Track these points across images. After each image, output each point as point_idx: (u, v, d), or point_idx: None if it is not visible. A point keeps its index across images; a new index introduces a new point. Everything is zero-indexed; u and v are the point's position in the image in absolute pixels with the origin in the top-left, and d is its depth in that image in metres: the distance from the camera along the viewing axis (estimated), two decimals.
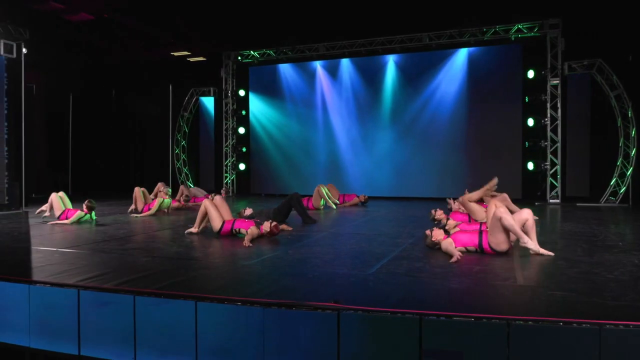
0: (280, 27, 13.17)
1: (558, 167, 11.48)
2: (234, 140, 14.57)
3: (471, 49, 12.30)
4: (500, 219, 4.65)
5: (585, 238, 6.04)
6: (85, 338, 3.56)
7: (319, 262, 4.60)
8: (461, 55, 12.37)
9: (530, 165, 11.65)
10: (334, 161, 13.51)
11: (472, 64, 12.30)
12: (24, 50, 10.01)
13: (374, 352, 2.99)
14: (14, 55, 9.38)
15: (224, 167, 14.58)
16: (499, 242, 4.77)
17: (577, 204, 10.87)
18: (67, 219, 7.57)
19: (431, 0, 11.42)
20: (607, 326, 2.77)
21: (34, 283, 3.77)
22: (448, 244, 4.88)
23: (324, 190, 10.09)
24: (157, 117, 14.93)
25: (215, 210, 6.15)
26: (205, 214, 6.17)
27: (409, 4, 11.58)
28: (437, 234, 5.08)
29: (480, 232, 4.92)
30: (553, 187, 11.56)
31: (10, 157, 9.42)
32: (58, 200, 7.84)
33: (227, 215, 6.21)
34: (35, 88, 14.29)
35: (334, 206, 10.19)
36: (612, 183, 11.03)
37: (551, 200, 11.47)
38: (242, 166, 14.53)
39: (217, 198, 6.32)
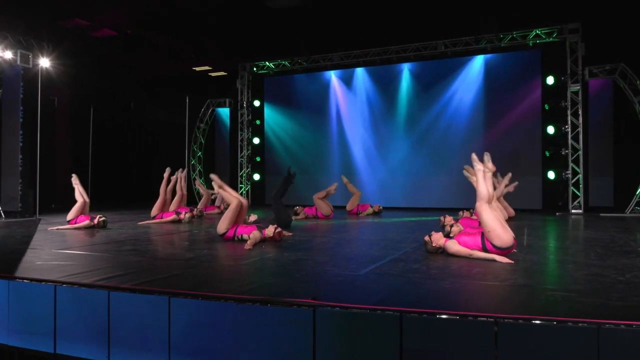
0: (295, 37, 13.23)
1: (580, 176, 11.03)
2: (249, 151, 14.55)
3: (488, 55, 12.02)
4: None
5: (603, 244, 5.68)
6: (61, 336, 3.45)
7: (311, 263, 4.41)
8: (477, 63, 12.10)
9: (551, 174, 11.23)
10: (348, 171, 13.30)
11: (489, 71, 12.02)
12: (47, 63, 10.25)
13: (351, 350, 2.79)
14: (30, 65, 9.56)
15: (239, 178, 14.55)
16: (499, 239, 4.49)
17: (601, 214, 10.38)
18: (75, 224, 7.58)
19: (446, 8, 11.30)
20: (607, 326, 2.51)
21: (13, 279, 3.69)
22: (453, 244, 4.65)
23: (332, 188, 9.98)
24: (174, 128, 15.06)
25: (236, 214, 6.01)
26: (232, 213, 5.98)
27: (423, 11, 11.47)
28: (437, 238, 4.85)
29: (483, 233, 4.65)
30: (575, 197, 11.10)
31: (25, 165, 9.55)
32: (80, 207, 7.84)
33: (240, 221, 6.09)
34: (57, 101, 14.63)
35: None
36: (638, 192, 10.51)
37: (573, 211, 11.01)
38: (256, 176, 14.47)
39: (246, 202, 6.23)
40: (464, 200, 11.76)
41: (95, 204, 11.72)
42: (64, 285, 3.50)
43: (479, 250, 4.58)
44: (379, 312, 2.79)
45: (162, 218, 8.62)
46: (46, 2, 11.38)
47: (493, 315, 2.65)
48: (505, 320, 2.62)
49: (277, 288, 3.41)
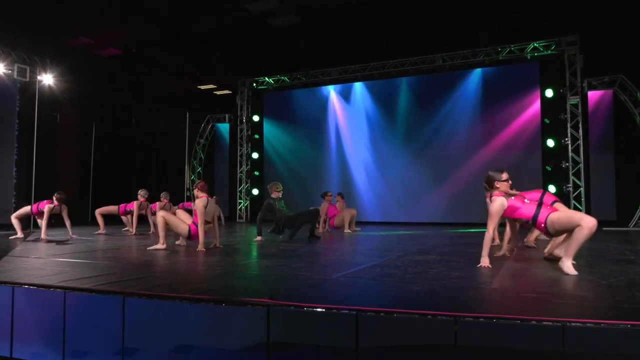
0: (294, 53, 13.30)
1: (582, 190, 10.81)
2: (248, 166, 14.51)
3: (486, 68, 11.96)
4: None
5: (596, 253, 5.49)
6: (17, 338, 3.34)
7: (286, 269, 4.28)
8: (476, 76, 12.04)
9: (552, 188, 11.02)
10: (347, 186, 13.19)
11: (488, 84, 11.94)
12: (50, 80, 10.36)
13: (306, 348, 2.64)
14: (27, 79, 9.64)
15: (238, 193, 14.48)
16: (558, 228, 4.04)
17: (604, 228, 10.12)
18: (38, 210, 7.56)
19: (444, 22, 11.30)
20: (572, 324, 2.35)
21: None
22: (500, 201, 4.26)
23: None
24: (174, 144, 15.10)
25: (176, 218, 6.01)
26: (166, 225, 5.96)
27: (421, 26, 11.47)
28: (502, 185, 4.39)
29: (540, 204, 4.23)
30: (577, 210, 10.85)
31: (20, 178, 9.56)
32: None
33: (188, 220, 6.05)
34: (59, 117, 14.76)
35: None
36: None
37: None
38: (255, 191, 14.40)
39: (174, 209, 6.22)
40: (464, 215, 11.62)
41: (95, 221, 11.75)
42: (23, 286, 3.40)
43: (526, 219, 4.19)
44: (335, 311, 2.66)
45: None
46: (52, 20, 11.56)
47: (453, 314, 2.50)
48: (465, 319, 2.47)
49: (239, 289, 3.28)
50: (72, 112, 15.32)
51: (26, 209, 8.01)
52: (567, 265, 3.85)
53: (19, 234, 7.84)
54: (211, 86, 15.48)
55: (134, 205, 8.86)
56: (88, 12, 11.03)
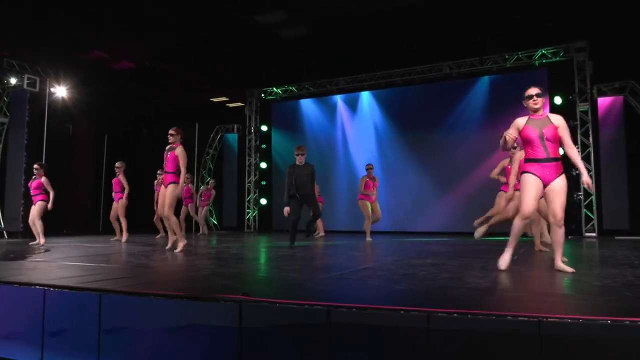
0: (302, 64, 13.38)
1: (593, 198, 10.57)
2: (256, 176, 14.54)
3: (493, 76, 11.85)
4: None
5: (600, 259, 5.33)
6: None
7: (275, 271, 4.22)
8: (483, 84, 11.94)
9: None
10: (354, 195, 13.08)
11: (495, 92, 11.82)
12: (64, 92, 10.59)
13: (278, 343, 2.58)
14: (37, 90, 9.83)
15: (247, 203, 14.50)
16: None
17: (616, 237, 9.86)
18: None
19: (450, 30, 11.27)
20: (549, 319, 2.25)
21: None
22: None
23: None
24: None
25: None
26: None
27: (427, 34, 11.46)
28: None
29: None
30: (589, 219, 10.61)
31: (27, 187, 9.68)
32: None
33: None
34: (72, 128, 15.00)
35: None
36: None
37: (587, 234, 10.51)
38: (263, 201, 14.40)
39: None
40: (471, 224, 11.40)
41: (108, 229, 11.85)
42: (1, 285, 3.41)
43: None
44: (307, 307, 2.59)
45: None
46: (66, 34, 11.80)
47: (426, 310, 2.42)
48: (439, 314, 2.38)
49: (215, 287, 3.24)
50: (84, 123, 15.58)
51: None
52: (559, 265, 3.80)
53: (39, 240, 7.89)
54: (223, 99, 15.63)
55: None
56: (103, 27, 11.24)
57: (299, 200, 7.05)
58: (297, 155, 7.36)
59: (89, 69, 13.01)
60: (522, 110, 11.88)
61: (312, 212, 7.18)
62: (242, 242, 8.91)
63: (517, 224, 3.97)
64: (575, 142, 10.59)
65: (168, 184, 6.10)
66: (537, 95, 4.10)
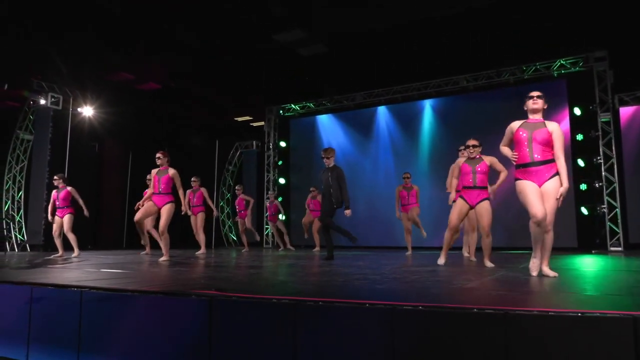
0: (319, 80, 13.51)
1: (617, 211, 10.19)
2: (275, 192, 14.60)
3: (511, 88, 11.67)
4: None
5: (605, 262, 5.11)
6: None
7: (266, 274, 4.21)
8: (501, 96, 11.75)
9: (585, 210, 10.45)
10: (372, 210, 13.01)
11: (514, 104, 11.52)
12: (90, 112, 11.02)
13: (247, 337, 2.57)
14: (60, 108, 10.21)
15: (265, 219, 14.55)
16: None
17: None
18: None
19: (466, 42, 11.21)
20: (515, 312, 2.16)
21: None
22: None
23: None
24: (204, 171, 15.45)
25: None
26: None
27: (443, 47, 11.42)
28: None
29: None
30: (614, 233, 10.22)
31: (50, 200, 9.99)
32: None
33: None
34: (98, 147, 15.47)
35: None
36: None
37: (612, 248, 10.10)
38: (281, 217, 14.42)
39: None
40: (496, 239, 11.13)
41: (133, 244, 12.12)
42: None
43: None
44: (274, 301, 2.57)
45: None
46: (95, 57, 12.27)
47: (391, 303, 2.37)
48: (404, 307, 2.32)
49: (195, 284, 3.24)
50: (110, 141, 16.06)
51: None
52: (545, 270, 3.72)
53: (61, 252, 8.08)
54: (247, 118, 15.89)
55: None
56: (129, 49, 11.64)
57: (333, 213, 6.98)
58: (323, 158, 7.34)
59: (115, 90, 13.44)
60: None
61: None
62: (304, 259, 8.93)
63: (533, 229, 3.82)
64: (597, 154, 10.34)
65: (165, 204, 6.51)
66: (538, 96, 4.09)
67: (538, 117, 4.02)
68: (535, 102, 4.06)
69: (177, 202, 6.58)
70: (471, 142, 5.74)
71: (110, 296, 3.02)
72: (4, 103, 12.89)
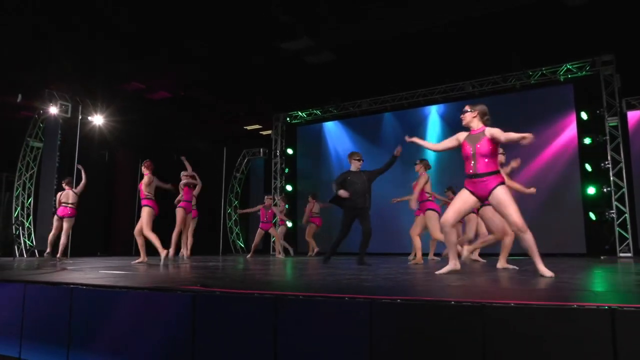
0: (326, 88, 13.55)
1: (627, 216, 10.03)
2: (277, 198, 14.65)
3: (518, 93, 11.61)
4: None
5: (602, 265, 5.03)
6: None
7: (258, 274, 4.22)
8: (507, 101, 11.70)
9: (594, 215, 10.31)
10: (379, 217, 12.92)
11: (520, 108, 11.54)
12: (100, 120, 11.21)
13: (229, 330, 2.59)
14: (69, 116, 10.38)
15: (272, 226, 14.56)
16: None
17: None
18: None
19: (472, 48, 11.19)
20: (493, 304, 2.15)
21: None
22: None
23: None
24: (212, 178, 15.54)
25: None
26: None
27: (449, 53, 11.41)
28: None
29: None
30: (623, 239, 10.06)
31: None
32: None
33: None
34: (107, 155, 15.66)
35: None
36: None
37: (622, 254, 9.94)
38: (288, 224, 14.43)
39: None
40: (498, 246, 11.03)
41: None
42: None
43: None
44: (256, 296, 2.58)
45: None
46: (107, 67, 12.46)
47: (370, 297, 2.37)
48: (382, 300, 2.32)
49: (179, 280, 3.27)
50: (120, 150, 16.25)
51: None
52: (542, 269, 3.69)
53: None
54: (257, 126, 15.99)
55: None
56: (141, 60, 11.80)
57: (351, 214, 6.47)
58: (353, 160, 6.87)
59: (125, 99, 13.62)
60: (547, 127, 11.54)
61: (363, 229, 6.46)
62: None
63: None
64: (604, 158, 10.22)
65: (142, 207, 6.99)
66: (463, 111, 4.24)
67: (476, 127, 4.12)
68: (462, 119, 4.26)
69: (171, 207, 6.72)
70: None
71: (99, 292, 3.06)
72: (19, 113, 13.15)
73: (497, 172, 3.90)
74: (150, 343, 2.79)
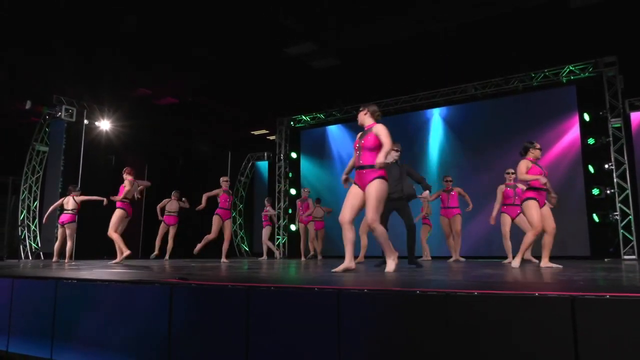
0: (330, 92, 13.62)
1: (631, 218, 9.93)
2: (286, 203, 14.70)
3: (520, 95, 11.57)
4: None
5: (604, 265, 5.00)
6: None
7: (247, 272, 4.26)
8: (509, 103, 11.66)
9: (598, 217, 10.22)
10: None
11: (523, 111, 11.49)
12: (107, 125, 11.40)
13: (204, 320, 2.64)
14: (74, 120, 10.55)
15: (277, 229, 14.63)
16: None
17: None
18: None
19: (474, 51, 11.19)
20: (456, 293, 2.17)
21: None
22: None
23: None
24: (217, 181, 15.65)
25: None
26: None
27: (451, 56, 11.42)
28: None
29: None
30: (628, 241, 9.95)
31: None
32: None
33: None
34: (114, 159, 15.84)
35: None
36: None
37: (626, 257, 9.83)
38: (292, 227, 14.49)
39: None
40: (500, 249, 10.98)
41: (148, 253, 12.29)
42: None
43: None
44: (230, 287, 2.63)
45: None
46: (115, 74, 12.63)
47: (337, 288, 2.41)
48: (350, 291, 2.35)
49: (164, 275, 3.32)
50: (126, 154, 16.43)
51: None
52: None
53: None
54: (264, 131, 16.09)
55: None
56: (148, 66, 11.95)
57: (387, 206, 5.87)
58: (392, 151, 6.49)
59: (132, 104, 13.79)
60: (550, 129, 11.46)
61: (405, 224, 6.09)
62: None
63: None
64: (608, 160, 10.13)
65: (119, 208, 7.51)
66: (359, 110, 4.53)
67: (367, 124, 4.34)
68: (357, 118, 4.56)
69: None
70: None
71: (82, 286, 3.12)
72: (29, 119, 13.38)
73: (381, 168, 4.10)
74: (130, 333, 2.84)
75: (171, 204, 10.67)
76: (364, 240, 8.14)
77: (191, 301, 2.70)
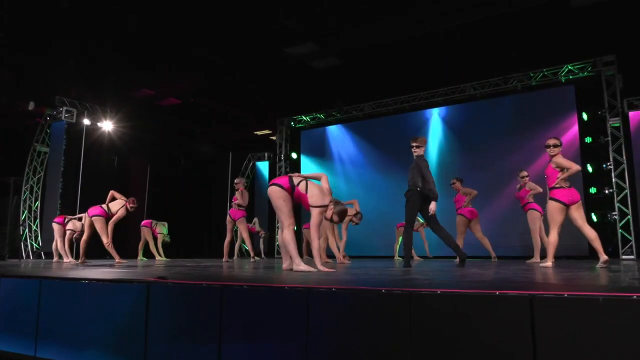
0: (330, 91, 13.65)
1: (629, 217, 9.89)
2: None
3: (519, 94, 11.56)
4: None
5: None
6: None
7: (236, 271, 4.31)
8: (509, 103, 11.66)
9: (594, 217, 10.19)
10: (383, 220, 12.97)
11: (522, 110, 11.49)
12: (110, 126, 11.50)
13: (179, 317, 2.69)
14: (74, 121, 10.65)
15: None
16: None
17: None
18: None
19: (473, 51, 11.18)
20: (420, 292, 2.21)
21: None
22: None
23: None
24: (218, 182, 15.75)
25: None
26: None
27: (450, 56, 11.42)
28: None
29: None
30: (626, 241, 9.92)
31: (63, 210, 10.38)
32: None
33: None
34: (117, 160, 15.95)
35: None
36: None
37: (624, 257, 9.80)
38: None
39: None
40: (503, 249, 10.97)
41: (150, 254, 12.39)
42: None
43: None
44: (204, 286, 2.68)
45: None
46: (117, 74, 12.72)
47: (306, 287, 2.45)
48: (319, 289, 2.39)
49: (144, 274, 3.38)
50: (129, 155, 16.55)
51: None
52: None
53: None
54: (266, 132, 16.16)
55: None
56: (151, 67, 12.03)
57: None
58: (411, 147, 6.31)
59: (135, 105, 13.89)
60: (549, 128, 11.44)
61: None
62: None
63: None
64: (606, 159, 10.11)
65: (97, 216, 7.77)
66: None
67: None
68: None
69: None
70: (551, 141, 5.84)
71: (64, 285, 3.18)
72: (33, 120, 13.52)
73: None
74: (110, 330, 2.89)
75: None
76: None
77: (168, 299, 2.75)
